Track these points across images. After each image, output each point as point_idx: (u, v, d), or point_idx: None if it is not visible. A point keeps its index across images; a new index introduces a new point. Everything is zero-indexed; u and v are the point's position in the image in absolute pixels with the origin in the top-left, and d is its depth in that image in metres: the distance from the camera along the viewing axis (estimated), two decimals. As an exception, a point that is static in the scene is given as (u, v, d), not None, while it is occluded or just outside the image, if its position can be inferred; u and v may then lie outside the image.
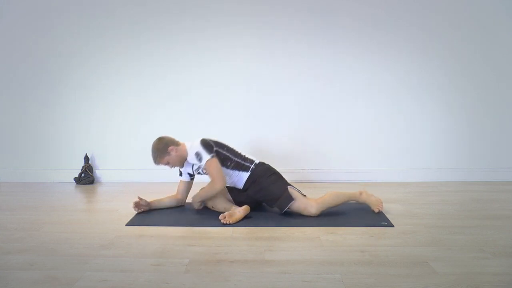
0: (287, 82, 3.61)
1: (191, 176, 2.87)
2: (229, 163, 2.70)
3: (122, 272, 1.86)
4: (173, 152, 2.70)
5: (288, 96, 3.63)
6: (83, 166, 3.75)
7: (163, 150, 2.69)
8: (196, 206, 2.77)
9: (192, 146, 2.71)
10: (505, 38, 3.50)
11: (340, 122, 3.64)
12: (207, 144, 2.67)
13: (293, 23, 3.54)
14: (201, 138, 2.73)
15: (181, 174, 2.88)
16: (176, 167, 2.79)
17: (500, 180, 3.58)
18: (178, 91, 3.67)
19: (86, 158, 3.74)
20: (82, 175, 3.74)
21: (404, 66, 3.56)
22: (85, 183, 3.71)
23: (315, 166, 3.70)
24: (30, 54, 3.71)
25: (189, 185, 2.91)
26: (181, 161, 2.75)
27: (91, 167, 3.77)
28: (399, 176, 3.63)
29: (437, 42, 3.52)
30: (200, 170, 2.75)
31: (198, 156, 2.65)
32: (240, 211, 2.54)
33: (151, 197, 2.86)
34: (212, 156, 2.61)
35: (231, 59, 3.61)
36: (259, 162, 2.79)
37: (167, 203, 2.86)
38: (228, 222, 2.46)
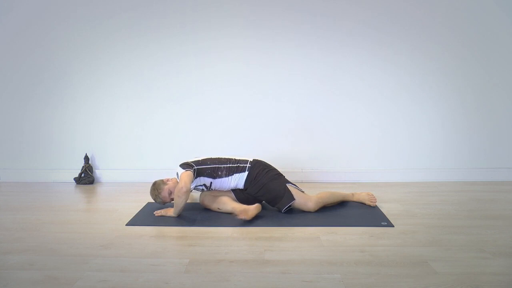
0: (288, 83, 3.61)
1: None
2: (219, 172, 2.75)
3: (122, 272, 1.86)
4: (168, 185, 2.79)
5: (289, 97, 3.62)
6: (83, 166, 3.75)
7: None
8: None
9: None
10: (505, 38, 3.50)
11: (340, 122, 3.64)
12: (185, 164, 2.73)
13: (293, 25, 3.54)
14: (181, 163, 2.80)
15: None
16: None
17: (500, 180, 3.58)
18: (178, 92, 3.67)
19: (86, 158, 3.74)
20: (82, 175, 3.74)
21: (404, 67, 3.56)
22: (85, 183, 3.71)
23: (315, 166, 3.70)
24: (30, 54, 3.71)
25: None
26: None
27: (91, 167, 3.77)
28: (399, 176, 3.63)
29: (436, 42, 3.52)
30: (195, 186, 2.80)
31: (177, 175, 2.71)
32: (252, 209, 2.54)
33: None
34: (186, 170, 2.64)
35: (231, 60, 3.61)
36: (254, 160, 2.83)
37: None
38: (245, 218, 2.47)
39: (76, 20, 3.64)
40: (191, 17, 3.57)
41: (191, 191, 2.72)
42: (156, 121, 3.72)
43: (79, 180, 3.73)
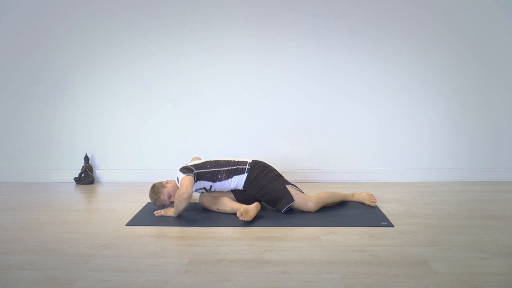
0: (288, 83, 3.61)
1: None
2: (219, 176, 2.75)
3: (122, 272, 1.86)
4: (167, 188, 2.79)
5: (289, 97, 3.62)
6: (83, 166, 3.75)
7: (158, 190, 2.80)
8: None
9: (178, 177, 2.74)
10: (505, 38, 3.49)
11: (340, 122, 3.64)
12: (186, 168, 2.72)
13: (293, 25, 3.54)
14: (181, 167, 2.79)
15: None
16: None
17: (500, 180, 3.58)
18: (178, 92, 3.67)
19: (86, 158, 3.74)
20: (82, 175, 3.74)
21: (404, 67, 3.56)
22: (85, 183, 3.71)
23: (315, 166, 3.70)
24: (30, 54, 3.70)
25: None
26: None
27: (91, 167, 3.77)
28: (399, 176, 3.63)
29: (436, 42, 3.52)
30: (195, 189, 2.79)
31: (177, 180, 2.71)
32: (252, 209, 2.54)
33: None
34: (187, 175, 2.62)
35: (231, 60, 3.61)
36: (253, 161, 2.82)
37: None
38: (245, 219, 2.46)
39: (76, 20, 3.64)
40: (191, 17, 3.57)
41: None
42: (156, 121, 3.72)
43: (79, 180, 3.73)
